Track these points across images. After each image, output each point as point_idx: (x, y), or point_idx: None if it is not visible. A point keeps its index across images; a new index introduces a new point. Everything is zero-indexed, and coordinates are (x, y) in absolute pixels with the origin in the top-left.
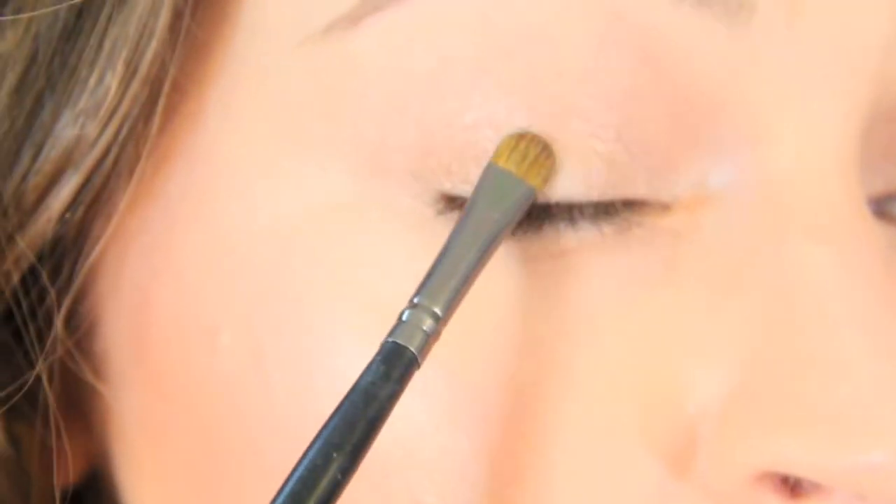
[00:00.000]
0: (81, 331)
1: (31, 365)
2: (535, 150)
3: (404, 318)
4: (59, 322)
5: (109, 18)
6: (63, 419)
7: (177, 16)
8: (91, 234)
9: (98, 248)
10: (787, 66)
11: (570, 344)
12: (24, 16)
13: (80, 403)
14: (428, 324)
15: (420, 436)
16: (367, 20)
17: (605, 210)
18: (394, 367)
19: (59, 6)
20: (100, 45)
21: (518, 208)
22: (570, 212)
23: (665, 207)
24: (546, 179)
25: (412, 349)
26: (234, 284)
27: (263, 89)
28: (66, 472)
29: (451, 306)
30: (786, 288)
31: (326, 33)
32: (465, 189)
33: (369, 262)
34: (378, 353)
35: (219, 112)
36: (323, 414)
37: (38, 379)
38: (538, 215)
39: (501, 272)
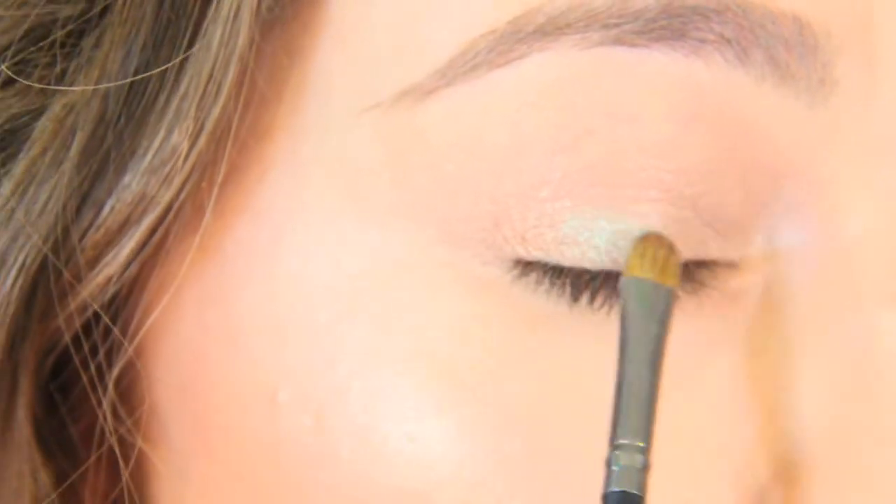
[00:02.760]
0: (124, 387)
1: (76, 421)
2: (661, 250)
3: (619, 463)
4: (110, 382)
5: (179, 72)
6: (106, 472)
7: (243, 71)
8: (146, 291)
9: (159, 307)
10: (864, 138)
11: None
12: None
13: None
14: (639, 460)
15: None
16: (438, 93)
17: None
18: None
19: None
20: (167, 101)
21: (669, 313)
22: None
23: (733, 266)
24: (679, 275)
25: (637, 492)
26: (292, 343)
27: (326, 149)
28: None
29: (650, 434)
30: (861, 356)
31: (396, 102)
32: (538, 255)
33: (442, 328)
34: None
35: (279, 169)
36: (391, 482)
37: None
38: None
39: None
